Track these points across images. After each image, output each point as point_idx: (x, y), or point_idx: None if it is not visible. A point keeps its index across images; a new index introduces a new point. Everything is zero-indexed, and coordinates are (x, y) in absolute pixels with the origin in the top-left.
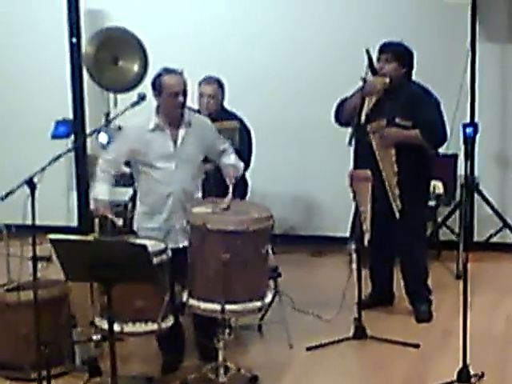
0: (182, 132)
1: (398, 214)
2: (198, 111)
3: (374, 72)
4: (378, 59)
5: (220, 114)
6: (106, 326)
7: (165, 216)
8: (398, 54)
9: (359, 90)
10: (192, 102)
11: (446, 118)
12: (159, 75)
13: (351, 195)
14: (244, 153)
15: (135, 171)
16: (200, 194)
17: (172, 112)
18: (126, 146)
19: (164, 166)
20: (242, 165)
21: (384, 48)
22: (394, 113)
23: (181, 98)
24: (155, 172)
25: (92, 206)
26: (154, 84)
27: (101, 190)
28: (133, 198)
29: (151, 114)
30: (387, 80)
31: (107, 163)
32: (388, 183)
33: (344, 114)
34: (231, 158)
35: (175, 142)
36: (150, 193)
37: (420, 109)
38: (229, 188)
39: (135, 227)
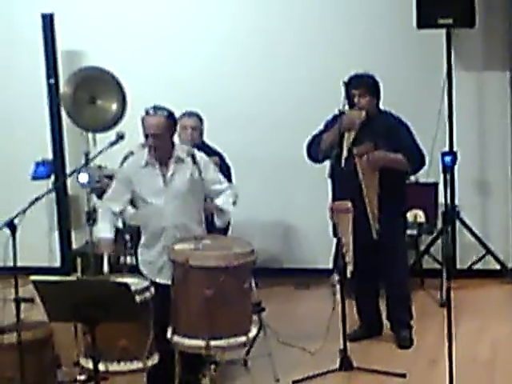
0: (171, 168)
1: (375, 235)
2: None
3: (352, 105)
4: (350, 93)
5: (202, 148)
6: (90, 365)
7: (158, 250)
8: (370, 86)
9: (332, 125)
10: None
11: (423, 146)
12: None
13: (331, 227)
14: None
15: (136, 205)
16: (201, 230)
17: (150, 151)
18: (123, 177)
19: (154, 202)
20: (229, 208)
21: (356, 83)
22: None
23: (151, 141)
24: (147, 207)
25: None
26: None
27: (101, 228)
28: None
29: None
30: (364, 114)
31: (107, 201)
32: (370, 208)
33: (320, 150)
34: (220, 200)
35: (164, 178)
36: (146, 226)
37: (396, 136)
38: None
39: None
